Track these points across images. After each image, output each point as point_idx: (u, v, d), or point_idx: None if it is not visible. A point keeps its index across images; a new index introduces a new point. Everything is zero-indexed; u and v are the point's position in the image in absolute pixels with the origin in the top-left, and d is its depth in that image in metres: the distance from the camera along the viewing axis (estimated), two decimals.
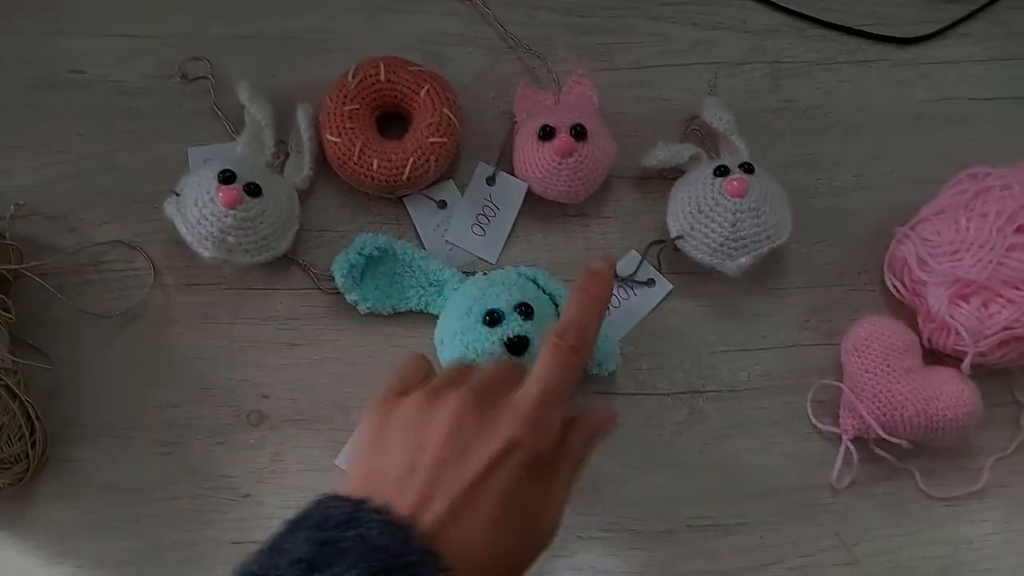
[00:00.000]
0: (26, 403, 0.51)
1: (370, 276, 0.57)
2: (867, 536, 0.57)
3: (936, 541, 0.57)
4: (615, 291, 0.59)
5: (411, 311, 0.58)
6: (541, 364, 0.41)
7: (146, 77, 0.62)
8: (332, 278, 0.56)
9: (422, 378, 0.44)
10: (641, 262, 0.60)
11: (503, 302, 0.54)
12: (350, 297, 0.56)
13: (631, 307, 0.60)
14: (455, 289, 0.56)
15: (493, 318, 0.53)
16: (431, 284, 0.57)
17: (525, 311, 0.53)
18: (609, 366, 0.57)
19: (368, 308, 0.56)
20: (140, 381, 0.56)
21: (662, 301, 0.60)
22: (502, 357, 0.52)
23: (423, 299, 0.57)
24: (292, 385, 0.57)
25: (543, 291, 0.57)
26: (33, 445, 0.52)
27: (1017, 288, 0.55)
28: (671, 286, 0.60)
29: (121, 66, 0.62)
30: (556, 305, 0.56)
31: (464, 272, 0.58)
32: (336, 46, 0.64)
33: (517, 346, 0.52)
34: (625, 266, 0.60)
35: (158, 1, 0.64)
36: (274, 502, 0.55)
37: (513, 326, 0.53)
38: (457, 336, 0.54)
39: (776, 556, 0.56)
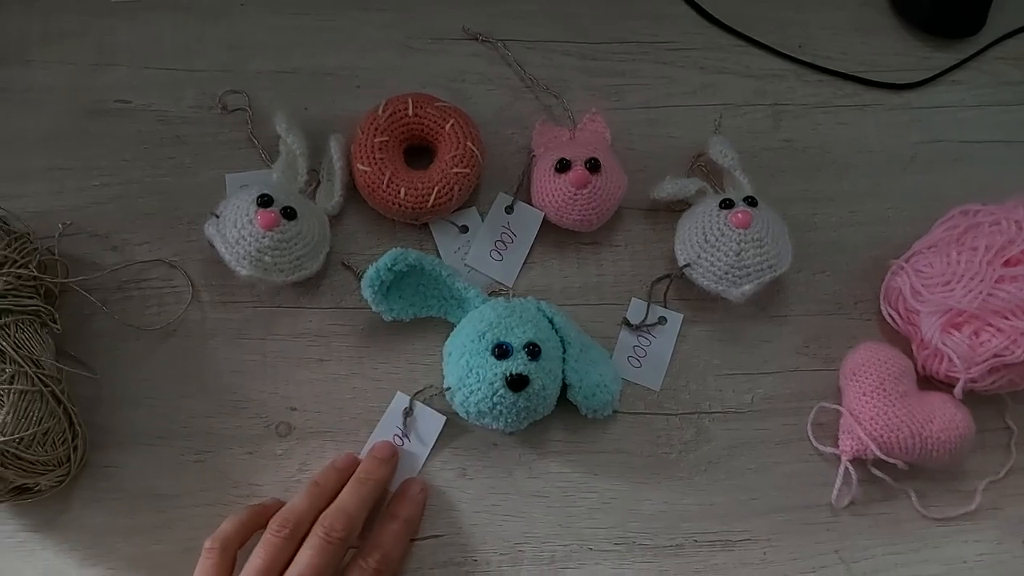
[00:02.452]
0: (70, 409, 0.54)
1: (395, 287, 0.60)
2: (866, 554, 0.59)
3: (932, 560, 0.59)
4: (638, 342, 0.63)
5: (431, 318, 0.61)
6: (302, 557, 0.50)
7: (188, 107, 0.66)
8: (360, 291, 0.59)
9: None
10: (648, 306, 0.63)
11: (515, 337, 0.56)
12: (376, 308, 0.59)
13: (656, 350, 0.63)
14: (476, 307, 0.59)
15: (502, 351, 0.56)
16: (453, 298, 0.61)
17: (533, 351, 0.56)
18: (605, 411, 0.60)
19: (392, 317, 0.60)
20: (176, 392, 0.59)
21: (680, 331, 0.63)
22: (501, 388, 0.55)
23: (443, 309, 0.61)
24: (319, 399, 0.60)
25: (556, 332, 0.59)
26: (75, 450, 0.54)
27: (1006, 317, 0.58)
28: (681, 315, 0.64)
29: (164, 97, 0.66)
30: (564, 349, 0.59)
31: (489, 293, 0.62)
32: (366, 82, 0.68)
33: (517, 383, 0.55)
34: (633, 314, 0.63)
35: (200, 38, 0.68)
36: None
37: (518, 363, 0.55)
38: (464, 357, 0.56)
39: (778, 572, 0.58)
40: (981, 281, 0.59)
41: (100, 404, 0.58)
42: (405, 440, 0.59)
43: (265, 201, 0.57)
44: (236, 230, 0.57)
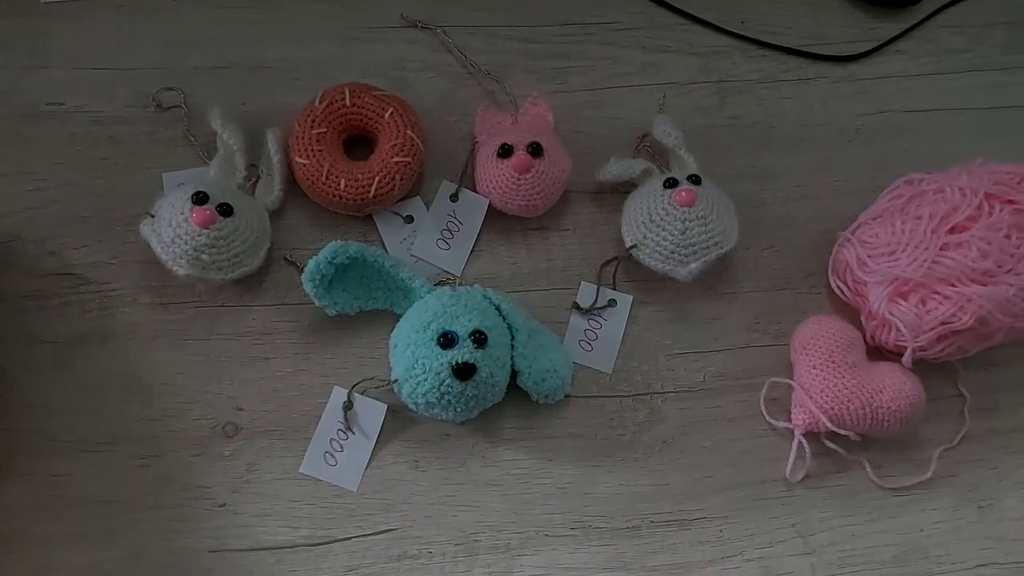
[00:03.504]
0: None
1: (338, 281, 0.59)
2: (822, 527, 0.59)
3: (888, 530, 0.60)
4: (588, 325, 0.62)
5: (378, 311, 0.60)
6: None
7: (122, 107, 0.65)
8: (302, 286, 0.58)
9: None
10: (598, 289, 0.63)
11: (461, 325, 0.56)
12: (319, 303, 0.58)
13: (608, 333, 0.62)
14: (422, 297, 0.59)
15: (447, 339, 0.55)
16: (398, 289, 0.60)
17: (479, 339, 0.55)
18: (557, 396, 0.59)
19: (337, 311, 0.59)
20: (119, 397, 0.58)
21: (630, 313, 0.63)
22: (447, 378, 0.54)
23: (389, 300, 0.60)
24: (265, 397, 0.59)
25: (504, 319, 0.59)
26: None
27: (952, 285, 0.58)
28: (631, 297, 0.63)
29: (98, 97, 0.65)
30: (513, 336, 0.58)
31: (435, 283, 0.61)
32: (306, 75, 0.67)
33: (463, 372, 0.54)
34: (583, 298, 0.63)
35: (134, 36, 0.67)
36: (249, 511, 0.57)
37: (464, 352, 0.55)
38: (410, 348, 0.56)
39: (735, 548, 0.58)
40: (926, 249, 0.59)
41: (41, 412, 0.57)
42: (349, 434, 0.58)
43: (200, 198, 0.56)
44: (171, 229, 0.56)
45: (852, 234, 0.63)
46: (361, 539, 0.56)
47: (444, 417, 0.57)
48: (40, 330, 0.59)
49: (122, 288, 0.60)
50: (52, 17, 0.67)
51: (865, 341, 0.61)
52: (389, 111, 0.62)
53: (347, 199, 0.60)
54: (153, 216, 0.58)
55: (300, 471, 0.57)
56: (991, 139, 0.70)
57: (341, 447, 0.58)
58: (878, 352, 0.62)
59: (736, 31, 0.72)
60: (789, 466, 0.59)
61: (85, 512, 0.56)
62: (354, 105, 0.62)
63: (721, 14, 0.73)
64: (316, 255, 0.57)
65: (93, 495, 0.56)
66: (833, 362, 0.59)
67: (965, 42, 0.75)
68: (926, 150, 0.69)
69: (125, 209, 0.62)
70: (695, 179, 0.61)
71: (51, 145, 0.63)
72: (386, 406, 0.58)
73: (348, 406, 0.58)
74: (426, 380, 0.55)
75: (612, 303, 0.63)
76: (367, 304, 0.60)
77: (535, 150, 0.61)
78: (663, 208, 0.60)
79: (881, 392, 0.58)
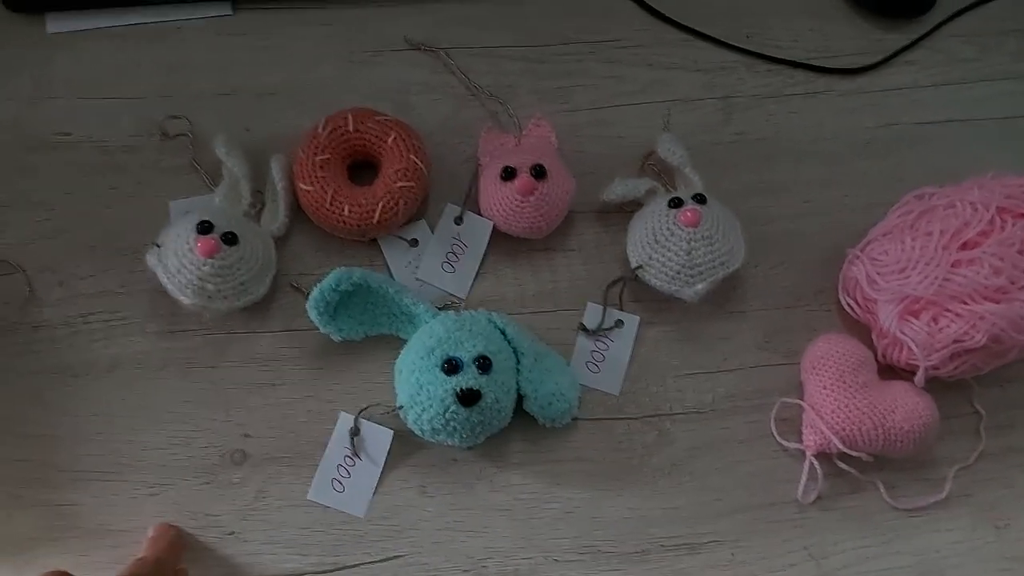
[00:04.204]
0: None
1: (343, 307, 0.59)
2: (836, 549, 0.58)
3: (904, 551, 0.59)
4: (595, 347, 0.62)
5: (383, 336, 0.60)
6: None
7: (128, 136, 0.65)
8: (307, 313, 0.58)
9: None
10: (604, 310, 0.62)
11: (465, 351, 0.55)
12: (324, 329, 0.58)
13: (614, 354, 0.62)
14: (426, 322, 0.59)
15: (451, 366, 0.55)
16: (403, 315, 0.60)
17: (483, 365, 0.55)
18: (564, 420, 0.59)
19: (342, 338, 0.59)
20: (127, 426, 0.58)
21: (637, 334, 0.62)
22: (452, 404, 0.54)
23: (394, 326, 0.60)
24: (273, 424, 0.59)
25: (509, 343, 0.58)
26: None
27: (964, 302, 0.57)
28: (638, 317, 0.63)
29: (104, 126, 0.65)
30: (518, 360, 0.58)
31: (438, 307, 0.61)
32: (308, 99, 0.67)
33: (468, 398, 0.54)
34: (590, 319, 0.62)
35: (139, 63, 0.67)
36: (258, 538, 0.57)
37: (469, 378, 0.54)
38: (414, 374, 0.56)
39: (747, 572, 0.58)
40: (937, 266, 0.58)
41: (51, 442, 0.58)
42: (356, 460, 0.58)
43: (204, 228, 0.57)
44: (177, 259, 0.56)
45: (861, 251, 0.62)
46: (369, 566, 0.56)
47: (450, 443, 0.57)
48: (49, 359, 0.59)
49: (130, 317, 0.61)
50: (56, 47, 0.68)
51: (876, 360, 0.61)
52: (392, 136, 0.62)
53: (351, 225, 0.60)
54: (159, 246, 0.58)
55: (308, 498, 0.57)
56: (1003, 150, 0.69)
57: (348, 473, 0.58)
58: (890, 370, 0.61)
59: (741, 46, 0.71)
60: (801, 488, 0.59)
61: (94, 542, 0.56)
62: (357, 131, 0.62)
63: (726, 29, 0.72)
64: (320, 282, 0.57)
65: (103, 524, 0.56)
66: (844, 382, 0.58)
67: (975, 51, 0.73)
68: (937, 162, 0.68)
69: (132, 238, 0.62)
70: (700, 198, 0.61)
71: (58, 175, 0.64)
72: (393, 432, 0.58)
73: (355, 432, 0.58)
74: (431, 407, 0.55)
75: (619, 324, 0.62)
76: (372, 330, 0.60)
77: (538, 172, 0.61)
78: (668, 228, 0.60)
79: (894, 412, 0.57)
